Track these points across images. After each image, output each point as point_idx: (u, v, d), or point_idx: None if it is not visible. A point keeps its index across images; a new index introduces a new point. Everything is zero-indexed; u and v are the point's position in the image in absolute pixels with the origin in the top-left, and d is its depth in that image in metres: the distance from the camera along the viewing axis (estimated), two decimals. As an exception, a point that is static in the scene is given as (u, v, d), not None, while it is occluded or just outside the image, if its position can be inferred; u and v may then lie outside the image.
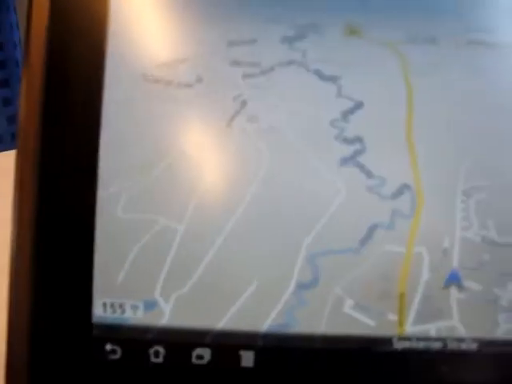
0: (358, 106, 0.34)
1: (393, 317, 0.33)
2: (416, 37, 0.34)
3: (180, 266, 0.33)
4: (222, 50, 0.34)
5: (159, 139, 0.34)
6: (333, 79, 0.34)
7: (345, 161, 0.33)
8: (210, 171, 0.33)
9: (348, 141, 0.33)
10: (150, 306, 0.33)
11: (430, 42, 0.34)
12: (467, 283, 0.33)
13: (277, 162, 0.33)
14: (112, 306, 0.33)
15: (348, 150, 0.33)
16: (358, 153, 0.33)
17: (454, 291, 0.33)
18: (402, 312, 0.33)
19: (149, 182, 0.33)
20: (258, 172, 0.33)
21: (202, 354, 0.33)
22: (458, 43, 0.34)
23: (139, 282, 0.33)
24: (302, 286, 0.33)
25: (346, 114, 0.34)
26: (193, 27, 0.34)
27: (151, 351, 0.33)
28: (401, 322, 0.33)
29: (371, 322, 0.33)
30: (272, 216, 0.33)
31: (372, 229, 0.33)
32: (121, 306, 0.33)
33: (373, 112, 0.34)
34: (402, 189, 0.33)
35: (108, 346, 0.33)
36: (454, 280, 0.33)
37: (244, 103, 0.34)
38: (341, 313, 0.33)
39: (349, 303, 0.33)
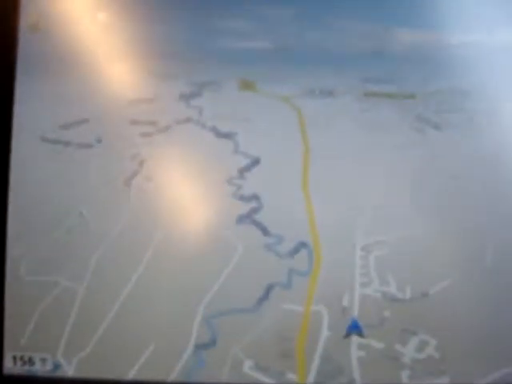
0: (255, 162, 0.33)
1: (292, 376, 0.32)
2: (312, 90, 0.33)
3: (81, 327, 0.33)
4: (122, 109, 0.34)
5: (59, 201, 0.34)
6: (229, 136, 0.34)
7: (241, 219, 0.33)
8: (109, 232, 0.33)
9: (245, 198, 0.33)
10: (55, 366, 0.33)
11: (327, 95, 0.33)
12: (368, 341, 0.32)
13: (174, 222, 0.33)
14: (21, 358, 0.34)
15: (245, 207, 0.33)
16: (254, 210, 0.33)
17: (354, 349, 0.32)
18: (301, 370, 0.32)
19: (49, 245, 0.34)
20: (155, 233, 0.33)
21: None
22: (354, 95, 0.33)
23: (43, 342, 0.33)
24: (200, 347, 0.33)
25: (243, 171, 0.33)
26: (94, 88, 0.34)
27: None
28: (301, 381, 0.32)
29: (271, 382, 0.33)
30: (169, 275, 0.33)
31: (269, 288, 0.33)
32: (30, 359, 0.33)
33: (269, 168, 0.33)
34: (299, 246, 0.33)
35: (17, 401, 0.34)
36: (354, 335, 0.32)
37: (142, 162, 0.34)
38: (241, 373, 0.32)
39: (248, 363, 0.32)
